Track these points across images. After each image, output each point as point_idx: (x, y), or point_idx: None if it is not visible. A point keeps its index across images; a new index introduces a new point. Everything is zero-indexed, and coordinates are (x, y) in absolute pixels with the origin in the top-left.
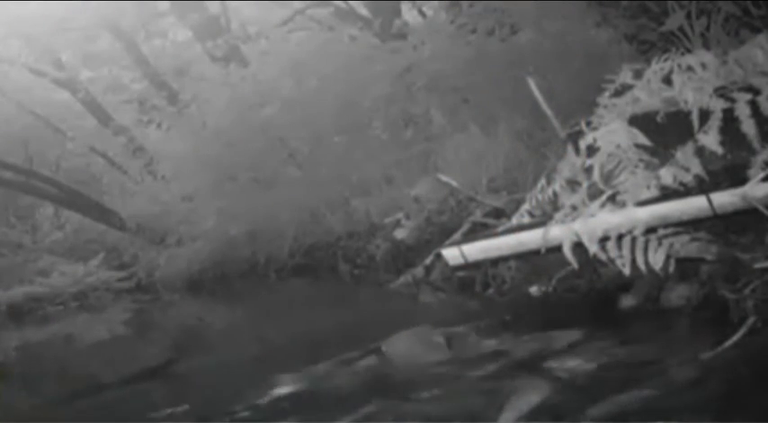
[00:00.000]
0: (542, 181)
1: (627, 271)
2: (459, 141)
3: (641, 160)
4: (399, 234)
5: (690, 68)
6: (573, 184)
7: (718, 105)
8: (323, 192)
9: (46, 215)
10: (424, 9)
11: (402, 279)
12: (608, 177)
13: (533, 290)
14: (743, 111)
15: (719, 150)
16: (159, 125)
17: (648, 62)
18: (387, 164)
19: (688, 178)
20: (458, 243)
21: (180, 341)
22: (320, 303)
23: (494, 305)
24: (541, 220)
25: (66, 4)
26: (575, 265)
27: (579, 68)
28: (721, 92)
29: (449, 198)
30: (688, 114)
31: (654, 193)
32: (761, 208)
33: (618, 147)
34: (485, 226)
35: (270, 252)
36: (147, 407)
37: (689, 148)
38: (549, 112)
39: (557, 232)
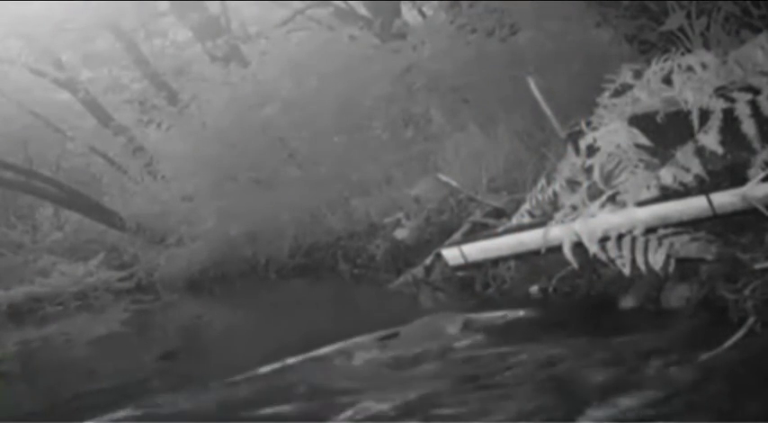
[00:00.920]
0: (542, 181)
1: (627, 271)
2: (458, 141)
3: (641, 160)
4: (399, 234)
5: (690, 68)
6: (573, 184)
7: (718, 105)
8: (323, 192)
9: (46, 215)
10: (424, 9)
11: (402, 279)
12: (608, 177)
13: (533, 290)
14: (743, 111)
15: (719, 150)
16: (159, 125)
17: (648, 62)
18: (387, 164)
19: (688, 178)
20: (458, 243)
21: (179, 341)
22: (320, 303)
23: (493, 305)
24: (541, 220)
25: (66, 4)
26: (575, 265)
27: (579, 68)
28: (721, 92)
29: (449, 198)
30: (688, 114)
31: (654, 193)
32: (761, 208)
33: (618, 147)
34: (485, 226)
35: (270, 252)
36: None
37: (689, 148)
38: (549, 112)
39: (557, 232)
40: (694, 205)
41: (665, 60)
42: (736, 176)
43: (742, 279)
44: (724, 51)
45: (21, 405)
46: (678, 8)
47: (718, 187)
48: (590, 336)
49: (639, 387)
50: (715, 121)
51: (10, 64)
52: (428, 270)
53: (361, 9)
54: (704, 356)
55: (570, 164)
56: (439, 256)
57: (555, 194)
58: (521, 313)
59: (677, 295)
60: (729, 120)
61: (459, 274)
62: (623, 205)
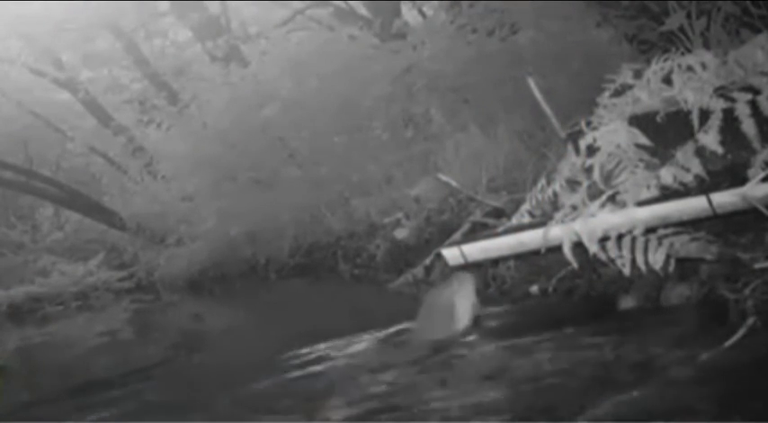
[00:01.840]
0: (542, 181)
1: (627, 271)
2: (458, 141)
3: (641, 160)
4: (399, 234)
5: (690, 68)
6: (573, 184)
7: (718, 105)
8: (323, 192)
9: (46, 215)
10: (424, 9)
11: (402, 279)
12: (608, 177)
13: (533, 290)
14: (743, 111)
15: (719, 150)
16: (159, 125)
17: (648, 62)
18: (387, 164)
19: (688, 178)
20: (458, 243)
21: (178, 340)
22: (320, 303)
23: (493, 305)
24: (541, 220)
25: (66, 4)
26: (575, 265)
27: (579, 68)
28: (721, 92)
29: (449, 198)
30: (688, 114)
31: (654, 193)
32: (761, 208)
33: (618, 147)
34: (485, 226)
35: (270, 252)
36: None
37: (689, 148)
38: (549, 112)
39: (557, 232)
40: (694, 205)
41: (665, 60)
42: (736, 176)
43: (742, 279)
44: (724, 51)
45: (20, 404)
46: (678, 8)
47: (718, 187)
48: (590, 336)
49: (639, 387)
50: (715, 121)
51: (10, 64)
52: (428, 270)
53: (361, 9)
54: (704, 356)
55: (570, 164)
56: (439, 256)
57: (555, 194)
58: (520, 313)
59: (677, 295)
60: (729, 120)
61: None
62: (623, 205)
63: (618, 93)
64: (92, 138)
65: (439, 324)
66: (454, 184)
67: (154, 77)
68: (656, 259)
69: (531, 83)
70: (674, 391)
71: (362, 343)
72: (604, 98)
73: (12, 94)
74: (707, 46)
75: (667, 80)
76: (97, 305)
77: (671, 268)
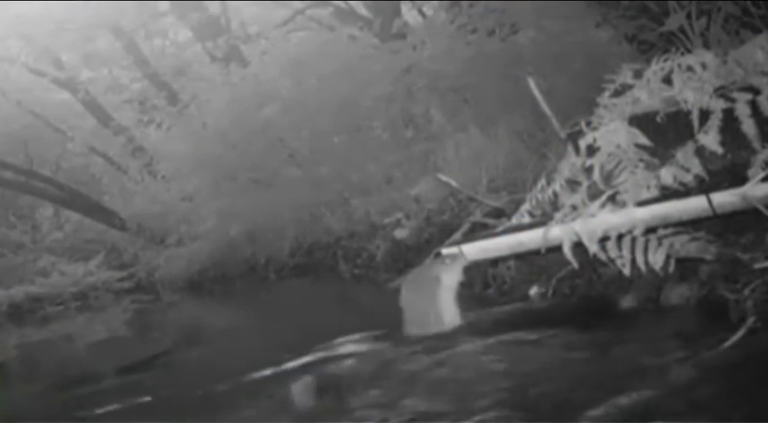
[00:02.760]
0: (542, 181)
1: (627, 271)
2: (458, 141)
3: (641, 160)
4: (399, 234)
5: (690, 68)
6: (573, 184)
7: (718, 105)
8: (323, 192)
9: (46, 215)
10: (424, 9)
11: (402, 279)
12: (608, 177)
13: (533, 290)
14: (743, 111)
15: (719, 150)
16: (159, 125)
17: (648, 62)
18: (387, 164)
19: (688, 178)
20: (458, 243)
21: (177, 340)
22: (320, 303)
23: (493, 305)
24: (541, 220)
25: (66, 4)
26: (575, 265)
27: (579, 68)
28: (721, 92)
29: (449, 198)
30: (688, 114)
31: (654, 193)
32: (761, 208)
33: (618, 147)
34: (485, 226)
35: (270, 252)
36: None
37: (689, 148)
38: (549, 112)
39: (557, 232)
40: (694, 205)
41: (665, 60)
42: (736, 176)
43: (742, 279)
44: (724, 51)
45: (20, 404)
46: (678, 8)
47: (718, 187)
48: (590, 336)
49: (639, 387)
50: (715, 121)
51: (10, 64)
52: None
53: (361, 9)
54: (704, 356)
55: (570, 164)
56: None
57: (555, 194)
58: (520, 313)
59: (677, 295)
60: (729, 120)
61: None
62: (623, 205)
63: (618, 93)
64: (92, 138)
65: (426, 319)
66: (454, 184)
67: (154, 77)
68: (656, 259)
69: (531, 83)
70: (674, 391)
71: (362, 342)
72: (604, 98)
73: (12, 94)
74: (707, 46)
75: (667, 80)
76: (97, 305)
77: (671, 268)
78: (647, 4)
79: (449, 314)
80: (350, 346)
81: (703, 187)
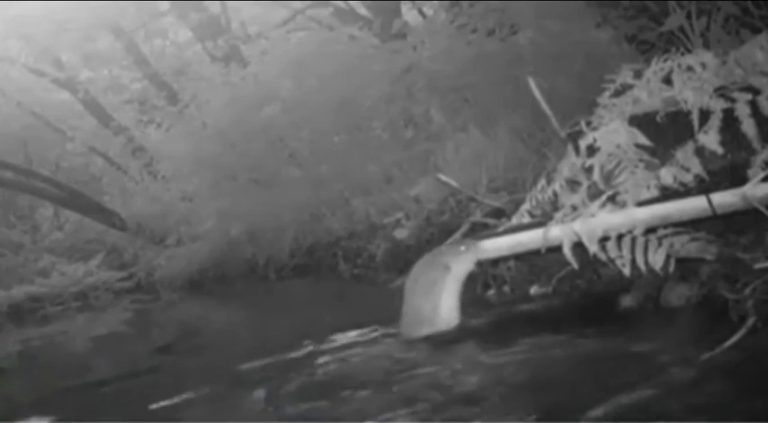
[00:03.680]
0: (542, 181)
1: (627, 271)
2: (458, 141)
3: (641, 160)
4: (399, 234)
5: (690, 68)
6: (573, 184)
7: (718, 105)
8: (323, 192)
9: (46, 215)
10: (424, 9)
11: (402, 279)
12: (608, 177)
13: (533, 290)
14: (743, 111)
15: (719, 150)
16: (159, 125)
17: (648, 62)
18: (387, 164)
19: (688, 178)
20: (458, 243)
21: (177, 340)
22: (320, 303)
23: (492, 305)
24: (541, 220)
25: (66, 4)
26: (575, 265)
27: (579, 68)
28: (721, 92)
29: (449, 198)
30: (688, 114)
31: (654, 193)
32: (761, 208)
33: (618, 147)
34: (485, 226)
35: (270, 252)
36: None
37: (689, 148)
38: (549, 112)
39: (557, 232)
40: (694, 205)
41: (665, 60)
42: (736, 176)
43: (742, 279)
44: (724, 51)
45: (18, 403)
46: (678, 8)
47: (718, 187)
48: (589, 336)
49: (639, 387)
50: (715, 121)
51: (10, 64)
52: None
53: (361, 9)
54: (704, 356)
55: (570, 164)
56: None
57: (555, 194)
58: (520, 313)
59: (677, 295)
60: (729, 120)
61: None
62: (623, 205)
63: (618, 93)
64: (92, 138)
65: (422, 315)
66: (454, 184)
67: (154, 77)
68: (656, 259)
69: (532, 83)
70: (674, 391)
71: (362, 342)
72: (604, 98)
73: (12, 94)
74: (707, 46)
75: (667, 80)
76: (97, 305)
77: (671, 268)
78: (647, 4)
79: (447, 309)
80: (346, 343)
81: (703, 187)
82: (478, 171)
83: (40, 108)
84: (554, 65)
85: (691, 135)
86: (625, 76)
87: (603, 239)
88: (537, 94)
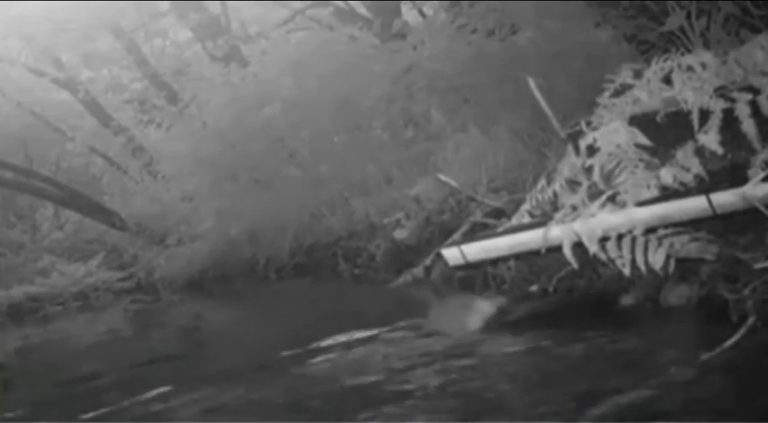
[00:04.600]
0: (542, 181)
1: (627, 271)
2: (458, 141)
3: (641, 160)
4: (399, 234)
5: (690, 68)
6: (573, 184)
7: (718, 105)
8: (323, 192)
9: (46, 215)
10: (424, 9)
11: (402, 279)
12: (608, 177)
13: (533, 290)
14: (743, 111)
15: (719, 150)
16: (159, 125)
17: (648, 62)
18: (387, 164)
19: (688, 178)
20: (458, 243)
21: (177, 340)
22: (321, 303)
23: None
24: (541, 220)
25: (66, 4)
26: (575, 265)
27: (579, 68)
28: (721, 92)
29: (449, 198)
30: (688, 114)
31: (654, 193)
32: (761, 208)
33: (618, 147)
34: (485, 226)
35: (270, 252)
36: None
37: (689, 148)
38: (549, 112)
39: (557, 232)
40: (694, 205)
41: (665, 60)
42: (736, 176)
43: (742, 279)
44: (724, 51)
45: (18, 403)
46: (678, 8)
47: (718, 187)
48: (590, 336)
49: (639, 387)
50: (715, 121)
51: (10, 64)
52: (428, 270)
53: (361, 9)
54: (704, 356)
55: (570, 164)
56: (439, 256)
57: (555, 194)
58: (519, 313)
59: (677, 295)
60: (729, 120)
61: (460, 273)
62: (623, 205)
63: (618, 93)
64: (92, 138)
65: (451, 320)
66: (454, 184)
67: (154, 77)
68: (656, 259)
69: (531, 83)
70: (674, 391)
71: (362, 341)
72: (604, 98)
73: (12, 94)
74: (707, 46)
75: (667, 80)
76: (97, 305)
77: (671, 268)
78: (647, 4)
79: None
80: (345, 342)
81: (703, 187)
82: (478, 171)
83: (40, 108)
84: (554, 65)
85: (691, 135)
86: (625, 76)
87: (603, 239)
88: (537, 94)
